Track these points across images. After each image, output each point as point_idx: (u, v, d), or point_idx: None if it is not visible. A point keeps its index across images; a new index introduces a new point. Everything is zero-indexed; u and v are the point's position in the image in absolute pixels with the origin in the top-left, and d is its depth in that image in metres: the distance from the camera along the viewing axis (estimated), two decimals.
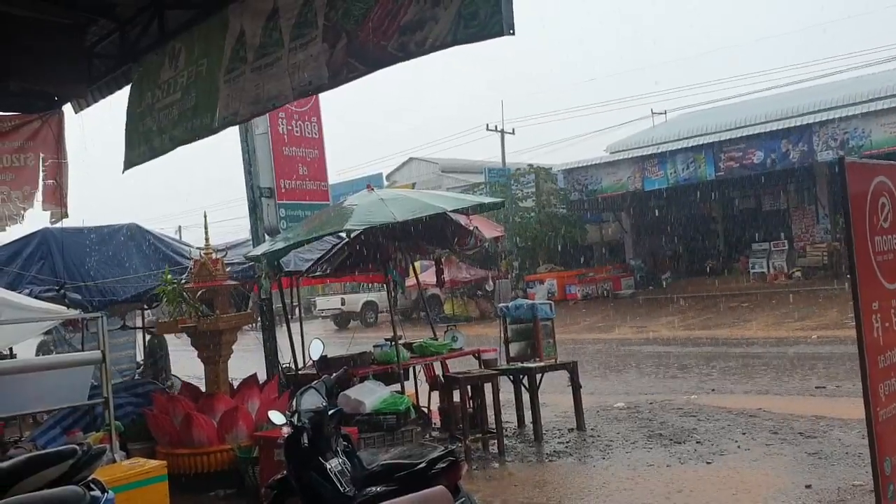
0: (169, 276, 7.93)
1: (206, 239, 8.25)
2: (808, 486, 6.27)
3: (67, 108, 7.79)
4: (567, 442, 8.60)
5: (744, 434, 8.21)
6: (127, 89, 6.66)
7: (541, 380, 9.01)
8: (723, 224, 29.33)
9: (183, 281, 7.99)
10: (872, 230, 3.30)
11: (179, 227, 43.34)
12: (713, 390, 11.01)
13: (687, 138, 26.60)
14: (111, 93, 7.28)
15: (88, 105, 7.58)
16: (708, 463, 7.29)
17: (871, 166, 3.52)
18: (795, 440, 7.77)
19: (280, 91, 4.76)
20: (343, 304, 30.34)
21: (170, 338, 9.10)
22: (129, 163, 6.39)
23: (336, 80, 4.28)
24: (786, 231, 26.86)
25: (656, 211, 29.42)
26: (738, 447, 7.73)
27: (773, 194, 27.93)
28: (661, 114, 38.38)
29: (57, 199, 7.97)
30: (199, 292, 7.75)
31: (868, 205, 3.31)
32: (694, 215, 29.99)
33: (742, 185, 27.50)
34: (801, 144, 22.88)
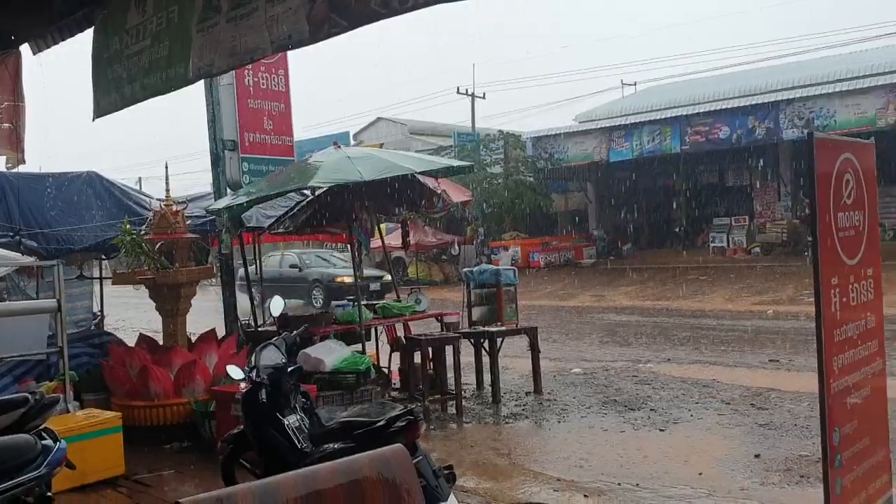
0: (128, 227, 7.79)
1: (167, 190, 8.11)
2: (756, 456, 6.44)
3: (25, 49, 7.51)
4: (524, 405, 8.70)
5: (697, 403, 8.38)
6: (89, 32, 6.44)
7: (501, 344, 9.08)
8: (686, 197, 29.64)
9: (142, 232, 7.85)
10: (836, 206, 3.33)
11: (140, 178, 42.50)
12: (669, 360, 11.20)
13: (655, 110, 26.74)
14: (72, 35, 7.00)
15: (48, 46, 7.28)
16: (661, 430, 7.43)
17: (838, 143, 3.55)
18: (747, 411, 7.95)
19: (258, 44, 4.61)
20: None
21: (127, 289, 8.96)
22: (101, 110, 6.20)
23: (317, 35, 4.16)
24: (747, 207, 27.25)
25: (621, 182, 29.62)
26: (691, 416, 7.89)
27: (736, 170, 28.26)
28: (631, 85, 38.50)
29: (13, 143, 7.69)
30: (159, 244, 7.63)
31: (833, 181, 3.34)
32: (658, 188, 30.24)
33: (707, 160, 27.77)
34: (768, 122, 23.13)
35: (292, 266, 23.31)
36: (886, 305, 3.78)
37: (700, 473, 6.08)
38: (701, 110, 24.72)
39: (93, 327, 10.57)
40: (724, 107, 24.24)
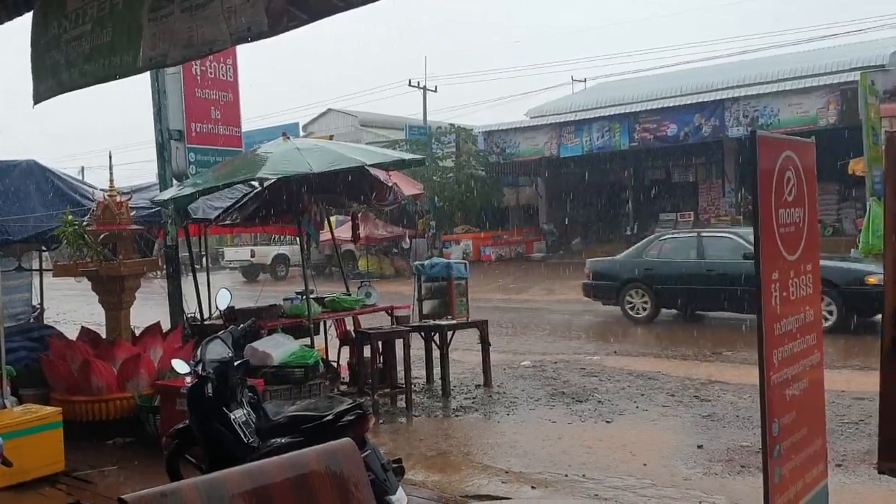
0: (70, 217, 7.58)
1: (111, 180, 7.91)
2: (699, 447, 6.58)
3: None
4: (474, 398, 8.74)
5: (642, 395, 8.53)
6: (28, 16, 6.25)
7: (452, 337, 9.10)
8: (633, 193, 30.12)
9: (85, 223, 7.65)
10: (778, 203, 3.41)
11: (83, 167, 41.48)
12: (615, 352, 11.36)
13: (604, 107, 27.07)
14: (10, 18, 6.79)
15: None
16: (607, 422, 7.55)
17: (780, 141, 3.63)
18: (690, 402, 8.12)
19: (216, 36, 4.52)
20: (253, 255, 29.71)
21: (69, 281, 8.73)
22: (39, 96, 6.04)
23: (276, 28, 4.10)
24: (693, 202, 27.82)
25: (571, 177, 29.97)
26: (637, 408, 8.03)
27: (682, 167, 28.81)
28: (581, 81, 38.89)
29: None
30: (102, 235, 7.45)
31: (775, 178, 3.41)
32: (606, 183, 30.68)
33: (654, 157, 28.26)
34: (714, 119, 23.62)
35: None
36: None
37: (645, 464, 6.19)
38: (649, 107, 25.13)
39: (32, 320, 10.29)
40: (671, 104, 24.69)
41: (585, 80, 38.67)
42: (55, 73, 5.90)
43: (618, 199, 30.96)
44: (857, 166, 21.08)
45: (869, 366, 8.69)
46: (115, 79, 5.51)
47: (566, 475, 6.00)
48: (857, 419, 7.13)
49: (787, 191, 3.51)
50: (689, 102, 24.27)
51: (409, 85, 36.36)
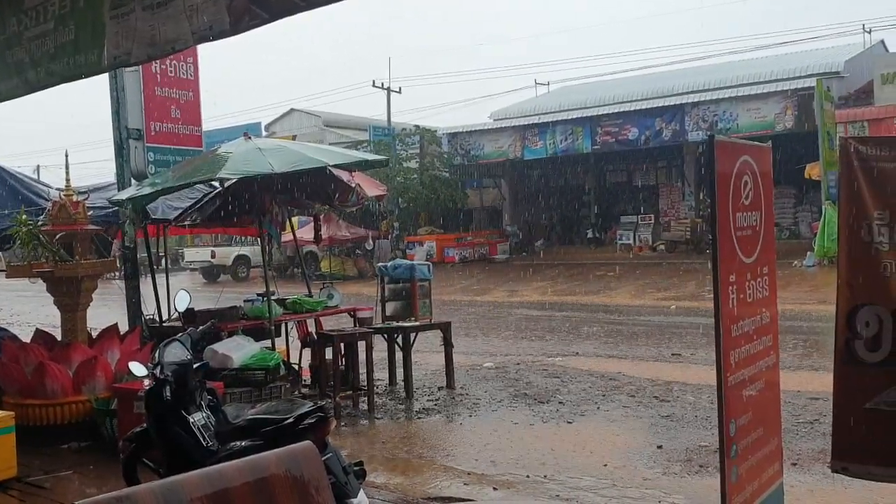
0: (24, 217, 7.42)
1: (67, 180, 7.76)
2: (659, 447, 6.65)
3: None
4: (436, 400, 8.74)
5: (603, 396, 8.60)
6: None
7: (415, 339, 9.09)
8: (595, 196, 30.42)
9: (40, 223, 7.50)
10: (735, 206, 3.47)
11: (38, 166, 40.65)
12: (577, 353, 11.44)
13: (567, 110, 27.33)
14: None
15: None
16: (569, 423, 7.60)
17: (737, 146, 3.69)
18: (651, 403, 8.21)
19: (179, 35, 4.46)
20: (213, 256, 29.39)
21: (23, 282, 8.53)
22: (2, 96, 5.91)
23: (238, 26, 4.07)
24: (654, 206, 28.20)
25: (534, 180, 30.18)
26: (598, 408, 8.10)
27: (643, 170, 29.20)
28: (544, 84, 39.15)
29: None
30: (58, 235, 7.31)
31: (732, 182, 3.47)
32: (569, 186, 30.96)
33: (616, 160, 28.61)
34: (674, 123, 23.98)
35: None
36: (780, 302, 3.97)
37: (605, 464, 6.24)
38: (611, 111, 25.43)
39: None
40: (633, 108, 25.01)
41: (549, 84, 38.97)
42: (20, 71, 5.76)
43: (580, 202, 31.25)
44: (812, 171, 21.58)
45: (823, 366, 8.87)
46: (81, 78, 5.40)
47: (528, 476, 6.02)
48: (811, 419, 7.27)
49: (744, 194, 3.57)
50: (650, 107, 24.62)
51: (373, 86, 36.23)
